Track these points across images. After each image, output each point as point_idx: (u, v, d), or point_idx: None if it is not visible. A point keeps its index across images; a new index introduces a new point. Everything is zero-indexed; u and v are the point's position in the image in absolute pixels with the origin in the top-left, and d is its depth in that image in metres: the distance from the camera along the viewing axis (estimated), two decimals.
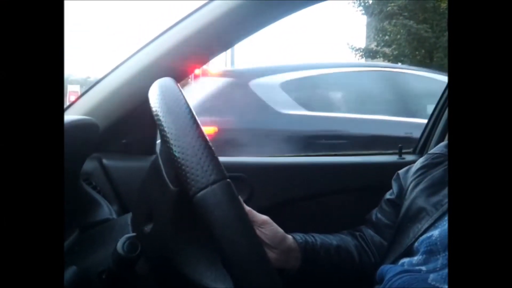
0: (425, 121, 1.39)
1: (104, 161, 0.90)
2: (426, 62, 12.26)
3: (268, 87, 3.12)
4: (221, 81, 3.22)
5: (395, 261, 0.73)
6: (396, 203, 0.84)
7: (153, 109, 0.48)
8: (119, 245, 0.54)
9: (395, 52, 12.82)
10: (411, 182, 0.81)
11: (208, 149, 0.43)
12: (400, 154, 1.27)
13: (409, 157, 1.28)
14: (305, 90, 3.34)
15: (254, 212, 0.70)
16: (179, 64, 0.85)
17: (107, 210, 0.73)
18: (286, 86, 3.14)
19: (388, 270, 0.69)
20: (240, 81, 3.21)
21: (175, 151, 0.43)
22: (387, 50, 13.08)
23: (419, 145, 1.35)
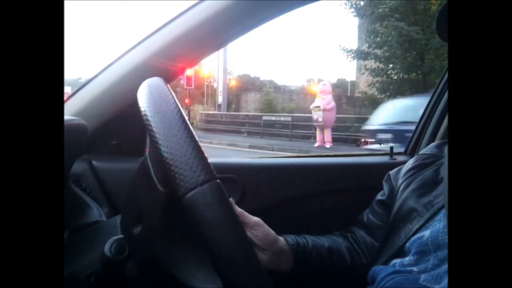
0: None
1: (94, 162, 0.89)
2: (417, 64, 12.40)
3: None
4: None
5: (386, 262, 0.73)
6: (387, 204, 0.84)
7: (142, 109, 0.47)
8: (107, 247, 0.53)
9: (387, 54, 12.93)
10: (402, 182, 0.82)
11: (197, 149, 0.43)
12: (391, 154, 1.28)
13: (400, 158, 1.29)
14: None
15: (246, 214, 0.70)
16: (170, 64, 0.84)
17: (96, 212, 0.72)
18: None
19: (380, 271, 0.69)
20: None
21: (163, 151, 0.43)
22: (378, 51, 13.18)
23: (410, 146, 1.36)
